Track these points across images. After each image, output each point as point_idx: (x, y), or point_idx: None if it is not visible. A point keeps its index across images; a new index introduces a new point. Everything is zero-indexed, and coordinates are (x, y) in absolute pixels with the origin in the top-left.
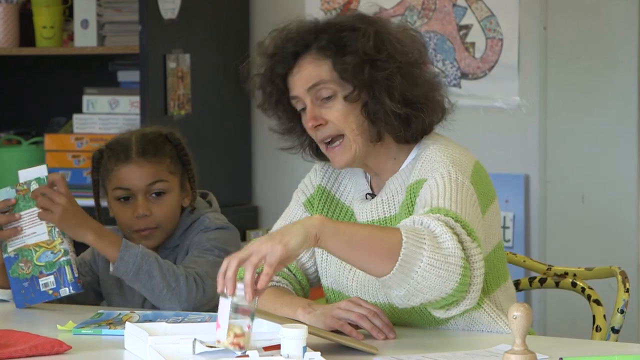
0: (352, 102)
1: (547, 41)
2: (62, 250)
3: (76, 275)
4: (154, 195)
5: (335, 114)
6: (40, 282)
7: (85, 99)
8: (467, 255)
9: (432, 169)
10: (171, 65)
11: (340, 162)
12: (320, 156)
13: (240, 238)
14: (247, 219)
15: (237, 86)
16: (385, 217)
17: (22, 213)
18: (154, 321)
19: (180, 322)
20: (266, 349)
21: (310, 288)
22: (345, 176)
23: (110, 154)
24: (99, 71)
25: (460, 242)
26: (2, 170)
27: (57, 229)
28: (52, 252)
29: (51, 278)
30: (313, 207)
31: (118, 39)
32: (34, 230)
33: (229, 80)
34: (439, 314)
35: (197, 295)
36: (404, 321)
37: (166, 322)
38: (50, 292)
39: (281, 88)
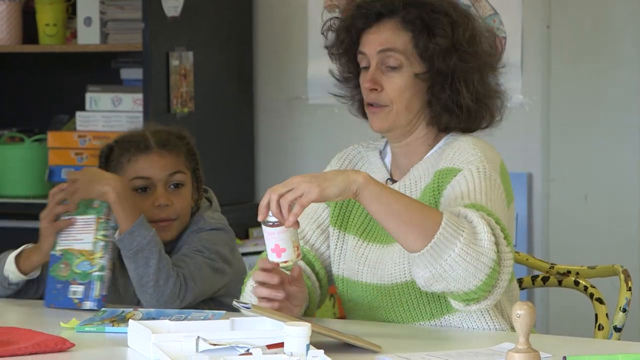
0: (420, 81)
1: (551, 40)
2: (99, 265)
3: (104, 293)
4: (172, 186)
5: (394, 86)
6: (70, 289)
7: (88, 96)
8: (499, 258)
9: (466, 160)
10: (174, 63)
11: (376, 126)
12: (366, 116)
13: (235, 238)
14: (249, 217)
15: (240, 84)
16: None
17: (78, 217)
18: (157, 319)
19: (183, 319)
20: (269, 346)
21: (328, 280)
22: (362, 167)
23: (125, 146)
24: (101, 69)
25: (497, 244)
26: (5, 167)
27: (101, 243)
28: (89, 264)
29: (81, 288)
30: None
31: (121, 37)
32: (82, 237)
33: (232, 78)
34: (458, 306)
35: (176, 301)
36: (400, 314)
37: (169, 319)
38: (76, 301)
39: (354, 40)
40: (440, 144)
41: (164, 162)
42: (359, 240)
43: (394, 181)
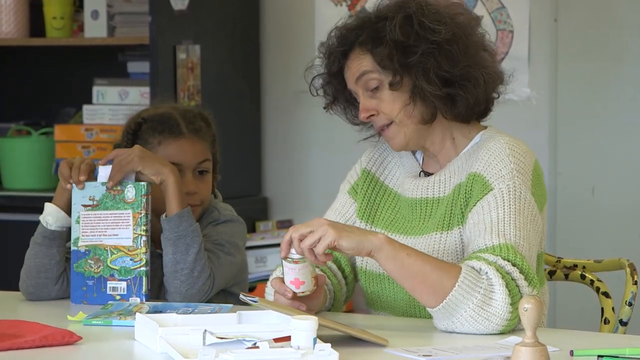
0: (398, 89)
1: (558, 33)
2: (144, 260)
3: (149, 287)
4: (197, 173)
5: (384, 104)
6: (108, 285)
7: (95, 89)
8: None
9: (498, 174)
10: (181, 56)
11: (395, 146)
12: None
13: (247, 230)
14: (256, 211)
15: (247, 77)
16: (435, 197)
17: (106, 212)
18: (164, 312)
19: (190, 313)
20: (276, 340)
21: (355, 276)
22: (391, 161)
23: (155, 126)
24: (108, 62)
25: (515, 291)
26: (12, 161)
27: (143, 238)
28: (131, 259)
29: (123, 284)
30: (357, 192)
31: (128, 30)
32: (116, 232)
33: (238, 71)
34: None
35: (203, 297)
36: (422, 307)
37: (176, 313)
38: (118, 297)
39: (341, 85)
40: (477, 139)
41: (194, 150)
42: (385, 232)
43: (428, 174)
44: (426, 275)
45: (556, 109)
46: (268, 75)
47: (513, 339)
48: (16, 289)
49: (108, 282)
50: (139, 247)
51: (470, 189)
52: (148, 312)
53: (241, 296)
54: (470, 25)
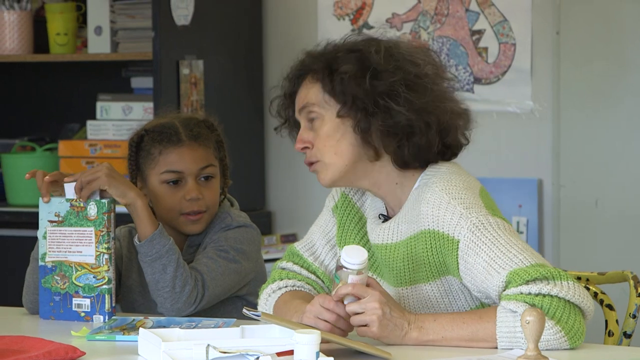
0: (345, 122)
1: (560, 46)
2: (107, 278)
3: (114, 305)
4: (202, 179)
5: (318, 138)
6: (74, 302)
7: (99, 105)
8: (567, 303)
9: (451, 223)
10: (184, 71)
11: (322, 182)
12: None
13: (260, 235)
14: (260, 225)
15: (250, 92)
16: (390, 242)
17: (71, 229)
18: (168, 327)
19: (193, 327)
20: (279, 354)
21: None
22: (367, 199)
23: (155, 137)
24: (112, 77)
25: (554, 306)
26: (17, 176)
27: (106, 256)
28: (94, 277)
29: (87, 301)
30: (338, 213)
31: (131, 46)
32: (80, 249)
33: (242, 86)
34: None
35: (191, 307)
36: None
37: (180, 327)
38: (83, 314)
39: (292, 108)
40: (417, 183)
41: (195, 156)
42: None
43: (387, 218)
44: (465, 341)
45: (559, 121)
46: (271, 90)
47: (516, 351)
48: (21, 304)
49: (73, 298)
50: (101, 265)
51: (431, 248)
52: (152, 327)
53: (244, 311)
54: (437, 68)
